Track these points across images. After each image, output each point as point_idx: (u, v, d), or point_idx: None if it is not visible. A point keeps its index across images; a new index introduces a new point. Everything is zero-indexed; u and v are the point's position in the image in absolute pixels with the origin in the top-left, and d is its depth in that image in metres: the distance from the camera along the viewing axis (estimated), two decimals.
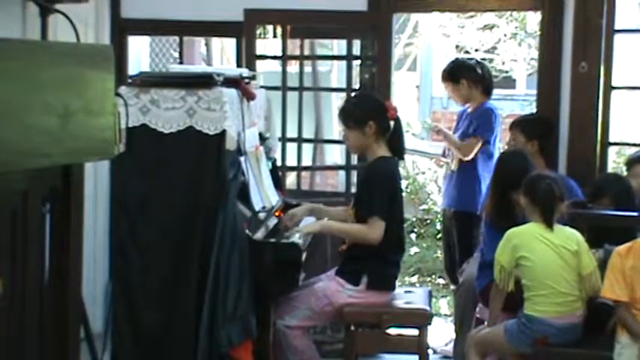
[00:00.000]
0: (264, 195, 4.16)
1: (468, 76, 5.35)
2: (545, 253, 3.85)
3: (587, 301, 3.90)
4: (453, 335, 5.13)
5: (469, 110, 5.40)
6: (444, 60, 14.44)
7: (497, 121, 5.32)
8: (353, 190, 5.25)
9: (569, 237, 3.90)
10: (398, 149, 4.19)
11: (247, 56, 5.24)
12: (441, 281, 7.74)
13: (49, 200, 2.33)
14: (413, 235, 7.69)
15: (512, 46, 12.33)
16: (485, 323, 4.16)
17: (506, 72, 12.83)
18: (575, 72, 4.94)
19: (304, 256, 3.90)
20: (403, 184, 4.74)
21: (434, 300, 6.11)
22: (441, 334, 5.57)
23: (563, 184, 4.24)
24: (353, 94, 5.22)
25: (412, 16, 12.39)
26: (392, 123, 4.15)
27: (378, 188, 4.05)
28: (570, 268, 3.84)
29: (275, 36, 9.58)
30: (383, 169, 4.10)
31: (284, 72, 5.31)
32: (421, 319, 4.11)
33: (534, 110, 5.46)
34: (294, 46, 5.76)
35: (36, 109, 2.08)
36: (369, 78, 5.41)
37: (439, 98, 13.88)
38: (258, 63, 5.31)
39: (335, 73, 9.72)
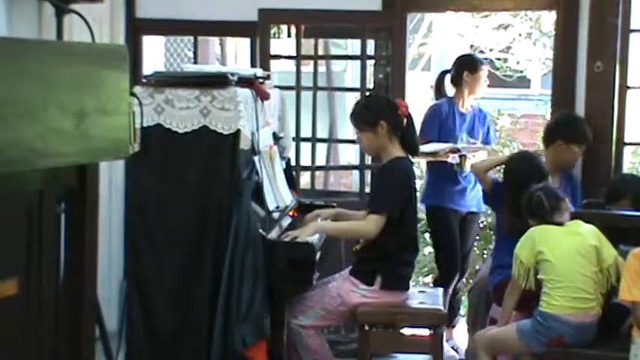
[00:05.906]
0: (277, 195, 4.16)
1: None
2: (567, 247, 3.86)
3: (603, 301, 3.89)
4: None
5: (462, 110, 5.23)
6: None
7: None
8: (367, 189, 5.24)
9: (588, 231, 3.91)
10: (411, 146, 4.19)
11: (261, 56, 5.25)
12: None
13: (64, 200, 2.33)
14: (427, 235, 7.67)
15: (527, 46, 12.28)
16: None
17: (521, 72, 12.78)
18: (590, 72, 4.91)
19: (318, 255, 3.90)
20: (417, 183, 4.72)
21: None
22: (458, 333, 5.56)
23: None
24: (364, 95, 5.21)
25: (426, 16, 12.36)
26: (404, 120, 4.14)
27: (385, 185, 4.06)
28: (590, 264, 3.84)
29: (289, 36, 9.60)
30: (396, 169, 4.09)
31: (298, 72, 5.31)
32: (435, 319, 4.10)
33: (549, 110, 5.43)
34: (308, 46, 5.76)
35: (51, 109, 2.08)
36: (383, 78, 5.41)
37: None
38: (273, 63, 5.32)
39: (349, 73, 9.73)
